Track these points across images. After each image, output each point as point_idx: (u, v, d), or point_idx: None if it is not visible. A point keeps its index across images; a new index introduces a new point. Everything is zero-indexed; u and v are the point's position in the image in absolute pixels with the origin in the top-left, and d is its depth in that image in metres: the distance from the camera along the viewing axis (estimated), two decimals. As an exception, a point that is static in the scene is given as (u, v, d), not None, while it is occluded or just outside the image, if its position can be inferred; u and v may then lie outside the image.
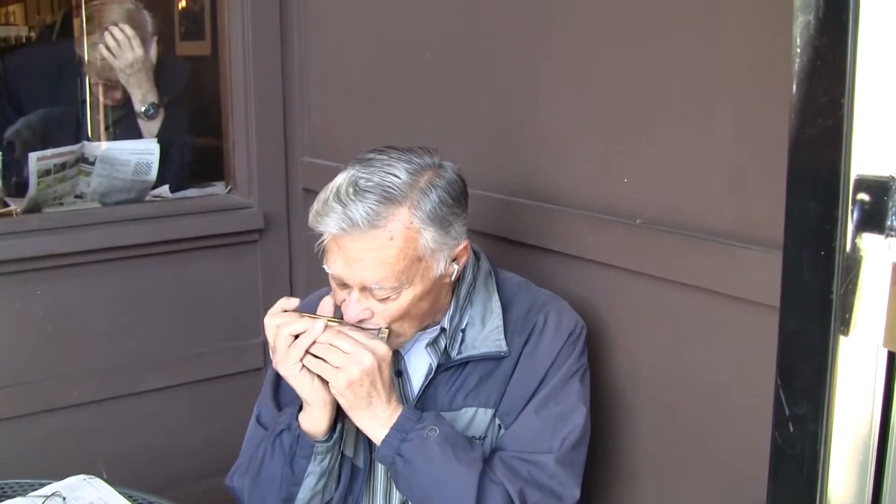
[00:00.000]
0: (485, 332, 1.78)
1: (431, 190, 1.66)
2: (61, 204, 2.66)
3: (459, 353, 1.78)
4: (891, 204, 0.89)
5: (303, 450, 1.70)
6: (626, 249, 1.81)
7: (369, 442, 1.76)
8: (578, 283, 1.94)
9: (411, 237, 1.63)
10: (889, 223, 0.90)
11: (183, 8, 4.46)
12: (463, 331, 1.79)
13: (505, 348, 1.76)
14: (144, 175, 2.71)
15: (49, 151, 2.53)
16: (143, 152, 2.69)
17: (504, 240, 2.08)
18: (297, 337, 1.65)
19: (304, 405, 1.71)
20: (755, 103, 1.55)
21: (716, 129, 1.63)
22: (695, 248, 1.66)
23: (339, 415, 1.72)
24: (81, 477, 1.89)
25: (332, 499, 1.77)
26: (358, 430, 1.75)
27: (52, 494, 1.81)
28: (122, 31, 2.80)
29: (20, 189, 2.59)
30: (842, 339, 0.90)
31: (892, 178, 0.89)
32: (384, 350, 1.65)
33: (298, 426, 1.71)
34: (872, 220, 0.90)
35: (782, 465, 0.94)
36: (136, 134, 2.90)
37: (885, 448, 0.99)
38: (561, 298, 1.85)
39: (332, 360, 1.62)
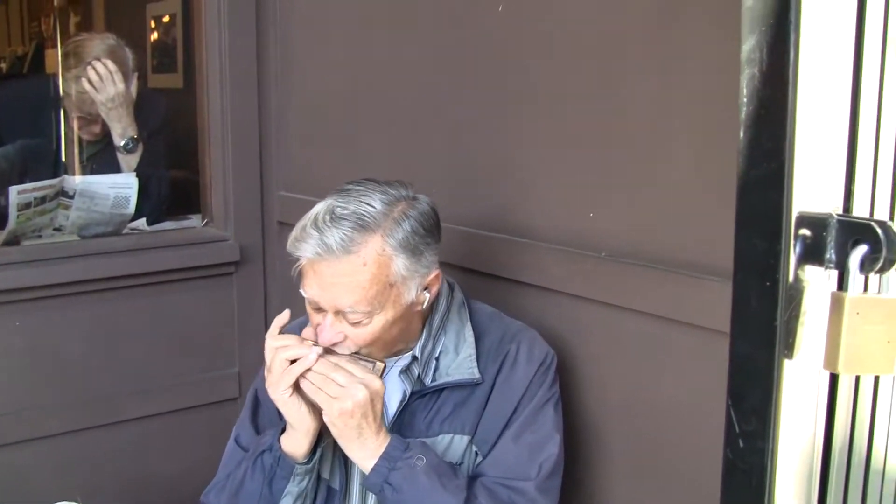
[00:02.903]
0: (458, 360, 1.85)
1: (405, 219, 1.74)
2: (40, 237, 2.70)
3: (434, 380, 1.84)
4: (829, 239, 0.98)
5: (283, 470, 1.76)
6: (592, 281, 1.89)
7: (345, 464, 1.83)
8: (548, 313, 2.01)
9: (384, 263, 1.71)
10: (828, 256, 0.98)
11: (155, 41, 4.52)
12: (437, 359, 1.86)
13: (478, 375, 1.83)
14: (123, 209, 2.76)
15: (30, 185, 2.57)
16: (122, 186, 2.74)
17: (476, 272, 2.15)
18: (292, 362, 1.71)
19: (288, 428, 1.77)
20: (710, 146, 1.64)
21: (675, 169, 1.72)
22: (656, 280, 1.74)
23: (318, 438, 1.78)
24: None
25: None
26: (334, 453, 1.83)
27: (37, 520, 1.86)
28: (104, 65, 2.86)
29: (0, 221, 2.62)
30: (786, 362, 0.98)
31: (831, 215, 0.98)
32: (378, 385, 1.71)
33: (280, 448, 1.77)
34: (813, 254, 0.99)
35: (733, 479, 1.02)
36: (114, 167, 2.94)
37: (828, 461, 1.08)
38: (532, 329, 1.92)
39: (328, 390, 1.69)
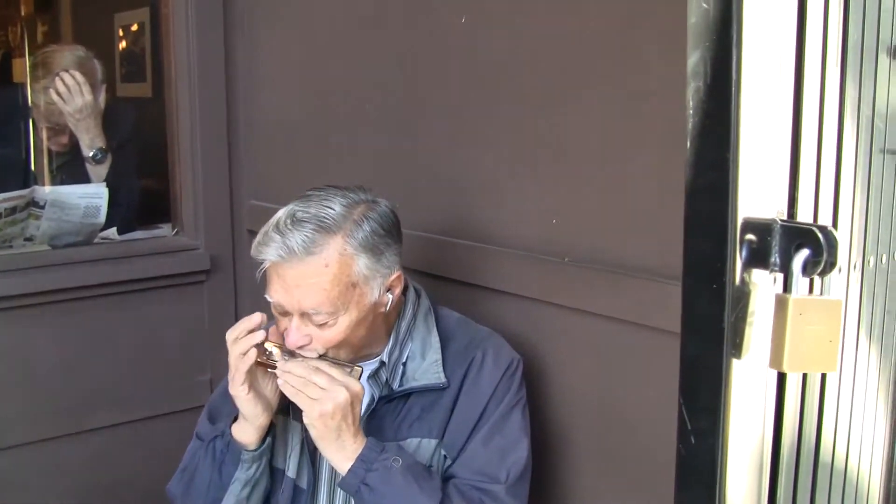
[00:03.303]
0: (425, 365, 1.89)
1: (364, 221, 1.78)
2: (11, 247, 2.70)
3: (401, 384, 1.88)
4: (774, 243, 1.03)
5: (232, 456, 1.82)
6: (556, 286, 1.94)
7: (313, 464, 1.87)
8: (513, 318, 2.06)
9: (345, 263, 1.75)
10: (773, 260, 1.04)
11: (123, 49, 4.51)
12: (404, 364, 1.90)
13: (444, 380, 1.87)
14: (93, 218, 2.77)
15: (0, 196, 2.59)
16: (92, 196, 2.75)
17: (444, 278, 2.19)
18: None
19: (240, 418, 1.82)
20: (670, 154, 1.68)
21: (635, 177, 1.77)
22: (617, 284, 1.79)
23: (269, 430, 1.84)
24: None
25: None
26: (302, 452, 1.87)
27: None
28: (72, 76, 2.87)
29: None
30: (735, 361, 1.03)
31: (775, 220, 1.03)
32: (358, 387, 1.75)
33: (231, 434, 1.82)
34: (759, 258, 1.04)
35: (686, 473, 1.07)
36: (83, 177, 2.95)
37: (778, 455, 1.13)
38: (498, 334, 1.97)
39: (308, 392, 1.73)
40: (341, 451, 1.75)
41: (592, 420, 1.93)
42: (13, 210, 2.63)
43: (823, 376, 1.17)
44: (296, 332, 1.78)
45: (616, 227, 1.83)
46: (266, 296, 1.79)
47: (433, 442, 1.87)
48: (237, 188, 2.94)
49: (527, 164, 2.00)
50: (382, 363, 1.89)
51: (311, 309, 1.75)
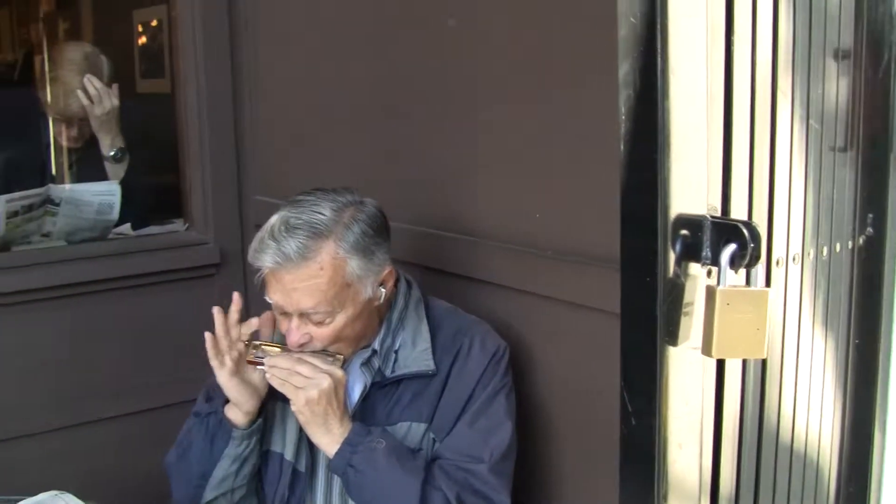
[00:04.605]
0: (415, 353, 1.98)
1: (354, 224, 1.87)
2: (29, 243, 2.81)
3: (393, 371, 1.97)
4: (705, 238, 1.11)
5: (223, 433, 1.93)
6: (538, 277, 2.02)
7: (311, 448, 1.97)
8: (500, 307, 2.14)
9: (339, 266, 1.84)
10: (704, 254, 1.11)
11: (142, 46, 4.59)
12: (396, 352, 1.98)
13: (433, 367, 1.96)
14: (107, 215, 2.87)
15: (17, 194, 2.67)
16: (105, 193, 2.85)
17: (433, 270, 2.28)
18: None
19: (231, 401, 1.94)
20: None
21: (606, 176, 1.84)
22: (595, 275, 1.87)
23: (259, 413, 1.95)
24: (53, 493, 2.05)
25: (243, 486, 1.99)
26: (300, 437, 1.97)
27: (25, 509, 1.98)
28: (98, 80, 2.99)
29: None
30: (670, 348, 1.11)
31: (706, 217, 1.11)
32: (340, 374, 1.86)
33: (223, 413, 1.94)
34: (692, 252, 1.12)
35: (628, 451, 1.15)
36: (98, 172, 3.06)
37: (719, 434, 1.20)
38: (485, 323, 2.05)
39: (294, 381, 1.84)
40: (328, 434, 1.86)
41: (575, 404, 2.01)
42: (30, 208, 2.73)
43: (765, 361, 1.24)
44: (296, 332, 1.88)
45: (593, 221, 1.89)
46: (265, 297, 1.89)
47: (423, 426, 1.96)
48: (245, 184, 3.04)
49: (512, 165, 2.08)
50: (375, 351, 1.98)
51: (310, 309, 1.85)
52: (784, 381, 1.31)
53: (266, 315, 1.95)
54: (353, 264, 1.86)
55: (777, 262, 1.21)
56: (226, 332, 1.92)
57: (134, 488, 2.48)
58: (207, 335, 1.91)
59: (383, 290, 1.94)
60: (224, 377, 1.91)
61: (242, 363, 1.92)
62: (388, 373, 1.98)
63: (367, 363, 1.98)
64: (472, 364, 1.97)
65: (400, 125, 2.40)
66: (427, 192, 2.34)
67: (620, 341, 1.14)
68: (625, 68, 1.06)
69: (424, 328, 2.00)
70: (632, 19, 1.04)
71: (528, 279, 2.05)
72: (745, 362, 1.22)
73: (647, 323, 1.10)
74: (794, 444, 1.35)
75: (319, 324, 1.87)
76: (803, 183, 1.24)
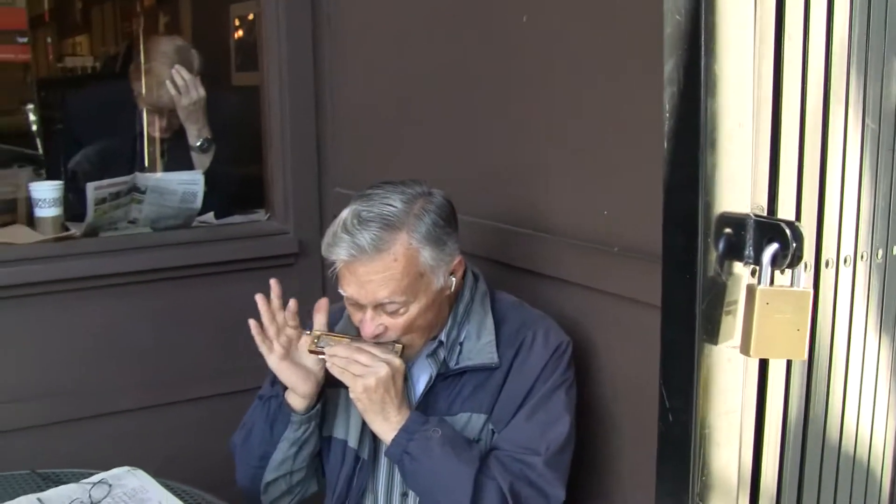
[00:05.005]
0: (479, 345, 2.00)
1: (425, 214, 1.90)
2: (116, 229, 2.91)
3: (457, 363, 2.00)
4: (748, 237, 1.10)
5: (283, 416, 1.99)
6: (605, 274, 2.02)
7: (373, 436, 2.00)
8: (566, 303, 2.15)
9: (412, 256, 1.87)
10: (747, 252, 1.11)
11: (238, 39, 4.71)
12: (461, 344, 2.01)
13: (496, 360, 1.98)
14: (190, 203, 2.96)
15: (105, 182, 2.77)
16: (188, 183, 2.94)
17: (502, 264, 2.30)
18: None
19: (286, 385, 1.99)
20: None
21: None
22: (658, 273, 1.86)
23: (318, 399, 2.00)
24: (126, 468, 2.14)
25: (302, 469, 2.05)
26: (363, 426, 2.00)
27: (100, 481, 2.07)
28: (187, 72, 3.10)
29: (80, 215, 2.83)
30: (709, 346, 1.11)
31: (749, 215, 1.11)
32: (398, 363, 1.90)
33: (283, 398, 1.99)
34: (735, 251, 1.11)
35: (665, 448, 1.15)
36: (185, 162, 3.16)
37: (761, 432, 1.20)
38: (550, 317, 2.06)
39: (352, 369, 1.89)
40: (386, 422, 1.90)
41: (638, 402, 2.00)
42: (117, 195, 2.83)
43: (813, 362, 1.23)
44: (370, 323, 1.92)
45: (658, 218, 1.89)
46: (339, 290, 1.94)
47: (482, 417, 1.98)
48: (324, 176, 3.10)
49: (582, 158, 2.08)
50: (441, 343, 2.01)
51: (384, 300, 1.88)
52: (833, 383, 1.29)
53: (320, 302, 2.00)
54: (426, 254, 1.89)
55: (827, 264, 1.20)
56: (271, 318, 1.97)
57: (207, 469, 2.55)
58: (252, 322, 1.98)
59: (454, 279, 1.97)
60: (274, 361, 1.97)
61: (293, 348, 1.97)
62: (452, 364, 2.01)
63: (433, 354, 2.01)
64: (534, 358, 1.98)
65: (473, 120, 2.43)
66: (498, 187, 2.36)
67: (661, 339, 1.14)
68: (669, 66, 1.07)
69: (489, 321, 2.02)
70: (677, 17, 1.04)
71: (596, 276, 2.05)
72: (789, 363, 1.21)
73: (686, 321, 1.10)
74: (843, 447, 1.34)
75: (394, 314, 1.90)
76: (857, 184, 1.22)
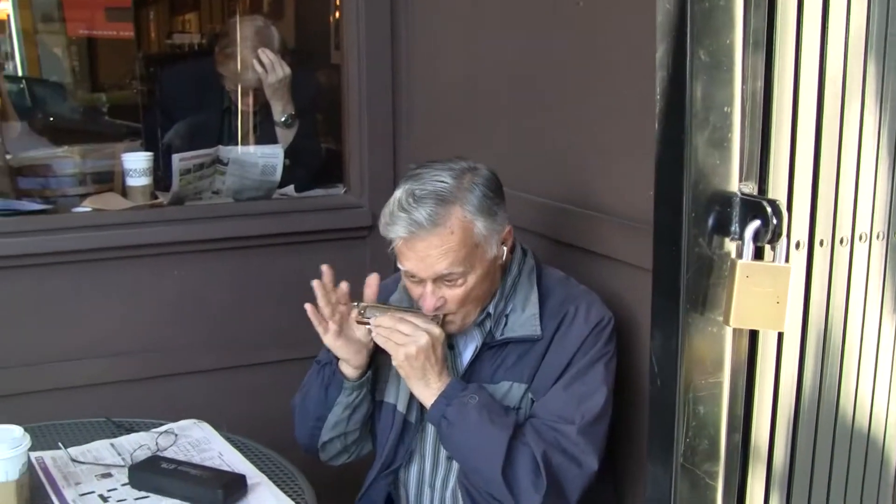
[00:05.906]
0: (524, 318, 2.09)
1: (475, 187, 2.00)
2: (200, 198, 3.07)
3: (502, 334, 2.09)
4: (734, 214, 1.17)
5: (336, 382, 2.12)
6: (650, 253, 2.08)
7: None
8: (612, 280, 2.21)
9: (467, 228, 1.97)
10: (733, 229, 1.17)
11: (338, 18, 4.84)
12: (507, 316, 2.10)
13: (539, 332, 2.07)
14: (270, 176, 3.10)
15: (189, 153, 2.93)
16: (268, 156, 3.08)
17: (553, 240, 2.38)
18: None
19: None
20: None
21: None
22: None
23: (369, 366, 2.11)
24: (192, 421, 2.31)
25: (355, 430, 2.17)
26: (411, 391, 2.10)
27: (167, 431, 2.23)
28: (270, 52, 3.24)
29: (171, 185, 2.99)
30: (693, 315, 1.18)
31: (735, 193, 1.17)
32: (438, 332, 2.00)
33: (336, 365, 2.11)
34: (723, 226, 1.18)
35: (655, 412, 1.23)
36: (271, 136, 3.31)
37: (750, 400, 1.26)
38: (594, 293, 2.14)
39: (394, 338, 2.00)
40: (427, 388, 2.00)
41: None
42: (201, 167, 2.99)
43: (804, 331, 1.28)
44: (431, 297, 2.02)
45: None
46: (399, 265, 2.04)
47: (523, 386, 2.07)
48: (399, 152, 3.19)
49: (634, 141, 2.14)
50: (489, 314, 2.10)
51: (444, 271, 1.98)
52: (846, 359, 1.34)
53: (371, 277, 2.11)
54: (480, 225, 1.98)
55: (821, 243, 1.25)
56: (327, 301, 2.08)
57: (273, 428, 2.69)
58: (308, 306, 2.08)
59: (505, 248, 2.06)
60: (330, 339, 2.08)
61: (345, 324, 2.08)
62: (497, 335, 2.10)
63: (480, 325, 2.10)
64: (575, 331, 2.06)
65: (535, 101, 2.50)
66: (558, 166, 2.43)
67: (651, 307, 1.21)
68: (661, 51, 1.13)
69: (534, 295, 2.10)
70: (667, 5, 1.11)
71: (643, 255, 2.10)
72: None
73: (673, 291, 1.17)
74: (856, 425, 1.38)
75: (452, 285, 2.00)
76: (874, 164, 1.26)
